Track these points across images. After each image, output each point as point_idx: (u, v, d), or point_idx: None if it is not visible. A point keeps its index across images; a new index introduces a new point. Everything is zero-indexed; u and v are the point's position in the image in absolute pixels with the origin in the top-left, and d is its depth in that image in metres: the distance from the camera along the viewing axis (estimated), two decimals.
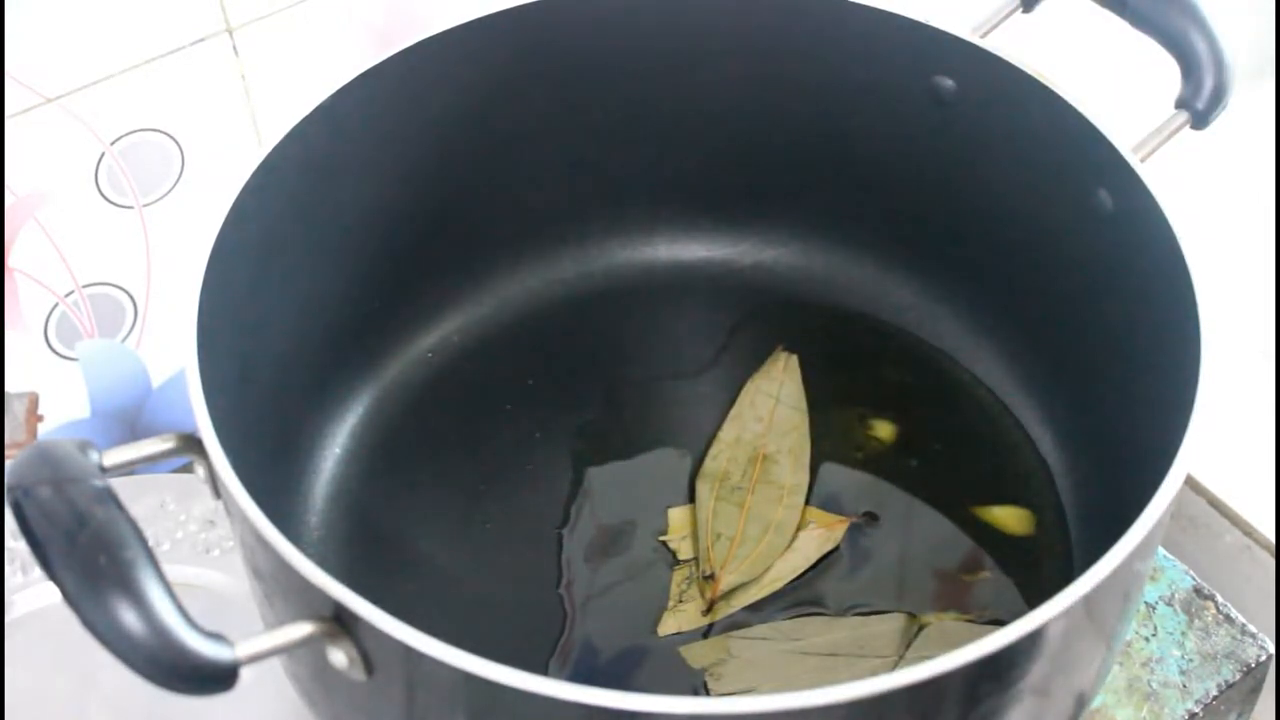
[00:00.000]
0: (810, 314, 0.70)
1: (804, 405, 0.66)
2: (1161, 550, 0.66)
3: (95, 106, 0.64)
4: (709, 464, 0.64)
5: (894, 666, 0.56)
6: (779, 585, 0.60)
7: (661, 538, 0.61)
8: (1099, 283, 0.59)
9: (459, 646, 0.39)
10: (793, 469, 0.64)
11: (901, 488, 0.63)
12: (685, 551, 0.61)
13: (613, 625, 0.59)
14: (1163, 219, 0.52)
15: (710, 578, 0.60)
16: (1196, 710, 0.61)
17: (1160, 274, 0.52)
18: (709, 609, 0.59)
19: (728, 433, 0.65)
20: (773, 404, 0.65)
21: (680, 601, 0.59)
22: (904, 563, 0.61)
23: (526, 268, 0.70)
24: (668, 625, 0.59)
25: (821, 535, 0.61)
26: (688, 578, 0.60)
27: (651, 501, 0.63)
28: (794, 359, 0.68)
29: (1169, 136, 0.56)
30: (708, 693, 0.56)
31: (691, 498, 0.63)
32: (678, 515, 0.62)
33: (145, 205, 0.68)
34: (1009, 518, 0.61)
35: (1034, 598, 0.43)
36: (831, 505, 0.62)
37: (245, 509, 0.44)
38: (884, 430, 0.65)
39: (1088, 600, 0.42)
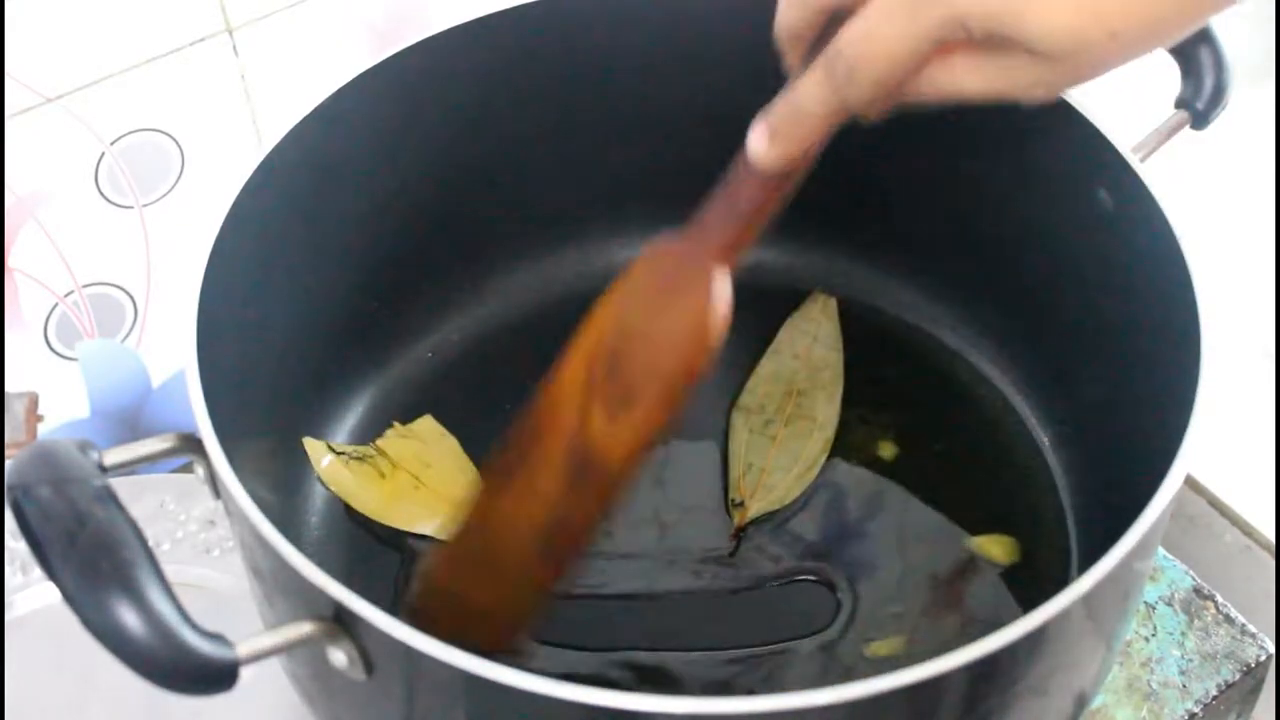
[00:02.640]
0: None
1: (839, 346, 0.67)
2: (1161, 550, 0.66)
3: (95, 106, 0.64)
4: (745, 397, 0.66)
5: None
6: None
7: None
8: (1099, 282, 0.59)
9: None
10: (825, 404, 0.65)
11: (901, 487, 0.63)
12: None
13: (615, 624, 0.59)
14: (1163, 219, 0.52)
15: (740, 505, 0.61)
16: (1196, 710, 0.61)
17: (1160, 274, 0.52)
18: (736, 534, 0.61)
19: (765, 368, 0.67)
20: (809, 342, 0.67)
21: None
22: (904, 562, 0.61)
23: (526, 268, 0.70)
24: None
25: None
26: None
27: (651, 503, 0.63)
28: (832, 301, 0.69)
29: (1169, 136, 0.56)
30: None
31: (726, 432, 0.64)
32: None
33: (145, 205, 0.68)
34: (994, 546, 0.61)
35: (1034, 597, 0.43)
36: (831, 504, 0.62)
37: (245, 509, 0.44)
38: (884, 430, 0.65)
39: (1087, 600, 0.42)
